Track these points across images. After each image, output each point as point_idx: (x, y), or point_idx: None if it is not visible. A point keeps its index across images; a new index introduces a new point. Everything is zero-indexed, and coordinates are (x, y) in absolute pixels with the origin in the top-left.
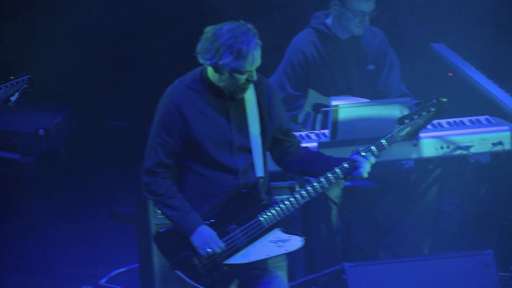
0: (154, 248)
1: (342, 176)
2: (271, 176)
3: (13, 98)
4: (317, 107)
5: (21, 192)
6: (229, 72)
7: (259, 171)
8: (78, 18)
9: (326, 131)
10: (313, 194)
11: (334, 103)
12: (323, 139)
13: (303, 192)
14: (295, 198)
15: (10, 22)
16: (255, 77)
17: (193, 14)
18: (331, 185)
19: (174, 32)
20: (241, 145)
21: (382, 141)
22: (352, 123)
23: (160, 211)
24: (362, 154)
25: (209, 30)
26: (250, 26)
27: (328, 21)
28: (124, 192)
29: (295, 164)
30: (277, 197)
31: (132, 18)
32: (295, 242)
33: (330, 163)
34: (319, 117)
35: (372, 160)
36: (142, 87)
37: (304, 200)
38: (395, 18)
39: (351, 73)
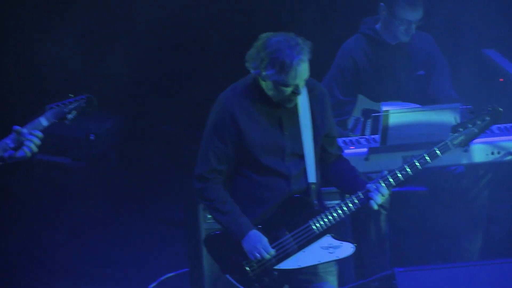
0: (204, 253)
1: (359, 205)
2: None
3: (70, 116)
4: (366, 113)
5: (71, 197)
6: (273, 83)
7: (311, 177)
8: (131, 24)
9: (376, 136)
10: (362, 203)
11: (384, 108)
12: (373, 144)
13: (354, 198)
14: (347, 204)
15: (65, 29)
16: (301, 91)
17: (249, 19)
18: (348, 213)
19: (229, 37)
20: (293, 151)
21: (435, 149)
22: (402, 128)
23: (211, 216)
24: (380, 180)
25: (261, 37)
26: (299, 40)
27: (377, 26)
28: (174, 197)
29: (328, 174)
30: (328, 202)
31: (185, 24)
32: (346, 249)
33: (355, 184)
34: (369, 122)
35: (384, 192)
36: (194, 92)
37: (356, 207)
38: (446, 23)
39: (401, 78)
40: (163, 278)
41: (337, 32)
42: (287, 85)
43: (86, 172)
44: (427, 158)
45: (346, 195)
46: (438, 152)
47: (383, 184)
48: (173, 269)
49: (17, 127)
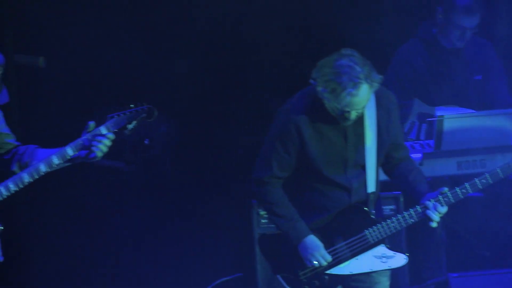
0: (258, 258)
1: (416, 220)
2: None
3: (130, 126)
4: (422, 117)
5: (126, 201)
6: (329, 105)
7: (371, 187)
8: (187, 28)
9: (431, 142)
10: (419, 218)
11: (439, 113)
12: (427, 149)
13: (411, 211)
14: (404, 217)
15: (123, 35)
16: (351, 118)
17: (307, 28)
18: (407, 224)
19: (285, 46)
20: (355, 162)
21: (497, 170)
22: (457, 133)
23: (267, 218)
24: (440, 196)
25: (340, 52)
26: (364, 74)
27: (434, 30)
28: (229, 201)
29: (391, 175)
30: (384, 207)
31: (243, 29)
32: (399, 260)
33: (417, 191)
34: (424, 126)
35: (442, 210)
36: (249, 98)
37: (413, 221)
38: (503, 29)
39: (457, 82)
40: (217, 282)
41: (387, 35)
42: (336, 108)
43: (141, 176)
44: (489, 178)
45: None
46: (500, 173)
47: (442, 200)
48: (226, 274)
49: (92, 122)
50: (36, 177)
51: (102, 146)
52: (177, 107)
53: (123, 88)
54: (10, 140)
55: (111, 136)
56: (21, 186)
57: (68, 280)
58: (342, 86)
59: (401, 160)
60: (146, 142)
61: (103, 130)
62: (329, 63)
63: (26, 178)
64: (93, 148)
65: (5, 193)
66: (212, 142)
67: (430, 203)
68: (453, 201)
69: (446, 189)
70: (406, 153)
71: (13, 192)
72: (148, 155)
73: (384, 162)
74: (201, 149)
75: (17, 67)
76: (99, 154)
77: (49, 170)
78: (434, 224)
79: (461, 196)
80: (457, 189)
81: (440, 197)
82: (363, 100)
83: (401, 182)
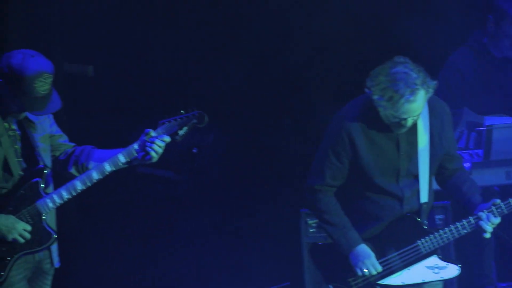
0: (306, 266)
1: (468, 230)
2: None
3: (181, 132)
4: (471, 125)
5: (174, 210)
6: (381, 109)
7: (424, 197)
8: (238, 38)
9: (479, 151)
10: (472, 228)
11: (488, 123)
12: (476, 159)
13: (464, 222)
14: (457, 228)
15: (176, 43)
16: (408, 124)
17: (361, 38)
18: (462, 233)
19: (336, 55)
20: (408, 172)
21: None
22: (506, 143)
23: (320, 227)
24: (493, 208)
25: (393, 60)
26: (420, 80)
27: (485, 39)
28: (276, 210)
29: (444, 186)
30: (436, 216)
31: (292, 40)
32: (452, 271)
33: (468, 204)
34: (473, 135)
35: (495, 221)
36: (297, 107)
37: (465, 232)
38: None
39: (507, 92)
40: None
41: (437, 43)
42: (393, 116)
43: (189, 185)
44: None
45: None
46: None
47: (495, 211)
48: (274, 283)
49: (149, 130)
50: (89, 184)
51: (157, 148)
52: (225, 115)
53: (172, 96)
54: (64, 140)
55: (167, 138)
56: (74, 193)
57: (119, 286)
58: (399, 93)
59: (454, 171)
60: (194, 151)
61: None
62: (384, 71)
63: (79, 185)
64: (148, 149)
65: (58, 201)
66: (260, 151)
67: (483, 214)
68: (506, 212)
69: (499, 200)
70: (460, 164)
71: (66, 200)
72: (196, 164)
73: (437, 173)
74: (248, 158)
75: (66, 76)
76: (154, 155)
77: (101, 177)
78: (487, 235)
79: None
80: (510, 200)
81: (493, 208)
82: (420, 107)
83: (455, 192)
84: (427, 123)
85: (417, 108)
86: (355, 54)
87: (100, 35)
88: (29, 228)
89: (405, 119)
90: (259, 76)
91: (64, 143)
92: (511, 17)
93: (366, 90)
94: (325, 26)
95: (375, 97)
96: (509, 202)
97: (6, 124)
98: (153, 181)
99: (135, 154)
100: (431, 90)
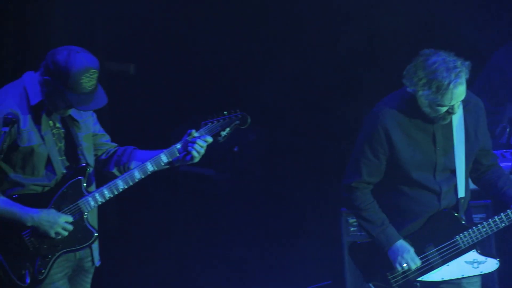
0: (346, 265)
1: (507, 224)
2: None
3: (223, 133)
4: None
5: (216, 208)
6: (429, 103)
7: (461, 192)
8: (283, 39)
9: None
10: (510, 222)
11: None
12: None
13: (503, 216)
14: (495, 222)
15: (219, 43)
16: (456, 111)
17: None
18: (502, 226)
19: (374, 53)
20: (445, 166)
21: None
22: None
23: (355, 226)
24: None
25: (422, 54)
26: (458, 62)
27: None
28: (317, 208)
29: (479, 183)
30: (474, 215)
31: (335, 42)
32: (491, 265)
33: (504, 198)
34: None
35: None
36: (336, 105)
37: (504, 225)
38: None
39: None
40: None
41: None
42: (442, 106)
43: (231, 184)
44: None
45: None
46: None
47: None
48: (315, 282)
49: (191, 130)
50: (131, 183)
51: (199, 148)
52: (266, 114)
53: (213, 95)
54: (106, 140)
55: (209, 139)
56: (116, 192)
57: (160, 285)
58: (446, 81)
59: (489, 167)
60: (235, 149)
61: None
62: (421, 65)
63: (121, 184)
64: (190, 149)
65: (100, 199)
66: (301, 150)
67: None
68: None
69: None
70: (495, 160)
71: (107, 198)
72: (237, 163)
73: (473, 169)
74: (290, 156)
75: (109, 74)
76: (196, 155)
77: (143, 176)
78: None
79: None
80: None
81: None
82: (465, 88)
83: (490, 188)
84: (462, 118)
85: (463, 90)
86: (401, 54)
87: (142, 33)
88: (71, 219)
89: (452, 106)
90: (301, 75)
91: (107, 142)
92: None
93: (409, 89)
94: (370, 26)
95: (421, 93)
96: None
97: (50, 122)
98: (195, 180)
99: (178, 154)
100: (468, 70)
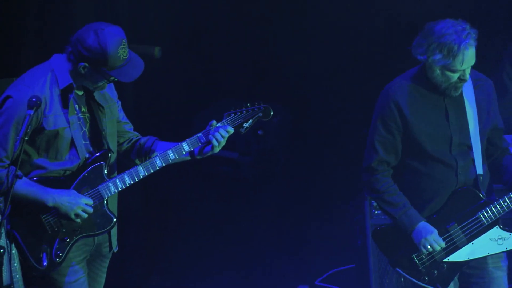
0: (371, 249)
1: None
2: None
3: (246, 125)
4: None
5: (239, 191)
6: (440, 69)
7: (479, 168)
8: (304, 27)
9: None
10: None
11: None
12: None
13: None
14: None
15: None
16: (467, 77)
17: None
18: None
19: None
20: (460, 141)
21: None
22: None
23: (379, 208)
24: None
25: (427, 25)
26: (467, 25)
27: None
28: (341, 192)
29: (496, 169)
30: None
31: (354, 29)
32: None
33: None
34: None
35: None
36: (357, 91)
37: None
38: None
39: None
40: (330, 273)
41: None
42: (454, 71)
43: (254, 166)
44: None
45: None
46: None
47: None
48: (339, 265)
49: (213, 121)
50: (152, 171)
51: (219, 137)
52: (291, 97)
53: (237, 80)
54: (129, 128)
55: (230, 129)
56: (137, 179)
57: (185, 269)
58: (457, 42)
59: (504, 152)
60: (259, 133)
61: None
62: (429, 32)
63: (142, 172)
64: (210, 138)
65: (120, 185)
66: (324, 133)
67: None
68: None
69: None
70: (507, 145)
71: (128, 185)
72: (261, 146)
73: (488, 154)
74: (313, 140)
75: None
76: (216, 144)
77: (164, 165)
78: None
79: None
80: None
81: None
82: (474, 51)
83: (505, 172)
84: (473, 96)
85: (474, 53)
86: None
87: (167, 16)
88: (91, 202)
89: (464, 71)
90: (326, 58)
91: (129, 130)
92: None
93: (419, 57)
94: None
95: (432, 58)
96: None
97: (77, 106)
98: (219, 163)
99: (199, 144)
100: (476, 37)
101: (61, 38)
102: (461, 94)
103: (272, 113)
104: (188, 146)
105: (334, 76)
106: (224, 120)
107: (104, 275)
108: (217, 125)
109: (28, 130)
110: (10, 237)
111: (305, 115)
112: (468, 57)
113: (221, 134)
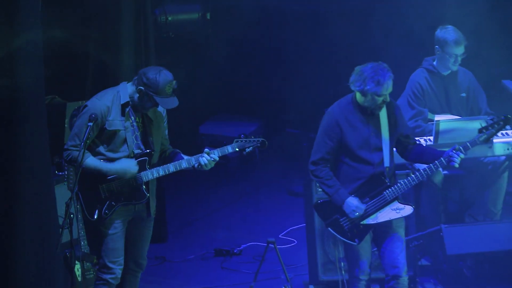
0: (315, 215)
1: (440, 167)
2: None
3: (247, 150)
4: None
5: (227, 175)
6: (371, 95)
7: (386, 162)
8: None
9: (431, 137)
10: (422, 178)
11: (436, 118)
12: (429, 143)
13: (415, 175)
14: (409, 180)
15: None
16: (388, 99)
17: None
18: (433, 172)
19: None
20: (376, 145)
21: (467, 144)
22: (449, 132)
23: (320, 189)
24: (455, 151)
25: (358, 68)
26: (386, 65)
27: (435, 63)
28: (297, 177)
29: (411, 156)
30: (399, 180)
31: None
32: (408, 210)
33: (434, 156)
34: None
35: (462, 156)
36: (310, 104)
37: (416, 182)
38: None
39: (450, 98)
40: (288, 230)
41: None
42: (380, 95)
43: (238, 161)
44: (462, 149)
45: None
46: (469, 145)
47: (461, 149)
48: (295, 224)
49: (206, 149)
50: (178, 169)
51: (209, 165)
52: (262, 111)
53: (237, 95)
54: (166, 143)
55: (216, 158)
56: (167, 173)
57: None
58: (382, 76)
59: (415, 144)
60: (242, 136)
61: (229, 148)
62: (361, 72)
63: (172, 168)
64: (202, 161)
65: (155, 174)
66: (285, 138)
67: (452, 152)
68: (463, 151)
69: (457, 146)
70: (415, 141)
71: (161, 175)
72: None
73: (403, 149)
74: (278, 142)
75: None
76: (205, 168)
77: (189, 167)
78: (456, 165)
79: (470, 147)
80: (460, 147)
81: (458, 147)
82: (391, 84)
83: (423, 154)
84: (386, 113)
85: (391, 84)
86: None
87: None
88: (135, 173)
89: (386, 95)
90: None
91: (165, 144)
92: (451, 42)
93: (357, 89)
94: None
95: (366, 88)
96: (466, 145)
97: (132, 117)
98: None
99: (193, 163)
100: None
101: (108, 73)
102: (379, 114)
103: (267, 145)
104: (186, 164)
105: (299, 93)
106: (234, 144)
107: (150, 232)
108: (228, 147)
109: (90, 136)
110: (77, 196)
111: (273, 124)
112: (389, 85)
113: (211, 163)
